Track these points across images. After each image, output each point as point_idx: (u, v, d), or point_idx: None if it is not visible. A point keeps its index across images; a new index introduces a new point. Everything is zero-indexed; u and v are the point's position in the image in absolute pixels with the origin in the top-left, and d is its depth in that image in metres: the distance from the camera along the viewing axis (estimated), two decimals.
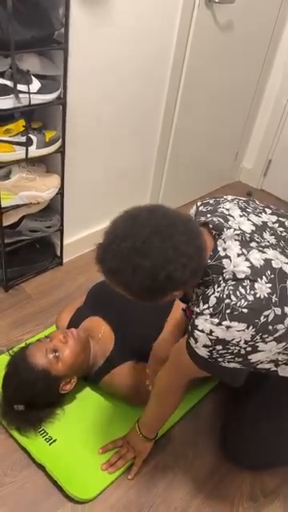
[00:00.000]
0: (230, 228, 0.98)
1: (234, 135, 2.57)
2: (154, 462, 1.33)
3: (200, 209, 1.09)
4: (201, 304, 0.95)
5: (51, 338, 1.35)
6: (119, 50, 1.63)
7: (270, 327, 0.90)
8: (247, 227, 1.00)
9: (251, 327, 0.89)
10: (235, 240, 0.96)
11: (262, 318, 0.89)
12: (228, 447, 1.34)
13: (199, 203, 1.12)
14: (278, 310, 0.90)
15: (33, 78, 1.40)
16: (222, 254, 0.95)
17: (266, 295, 0.90)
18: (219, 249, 0.95)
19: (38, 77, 1.42)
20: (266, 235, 1.00)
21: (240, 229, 0.98)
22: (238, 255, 0.94)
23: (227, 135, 2.50)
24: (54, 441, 1.31)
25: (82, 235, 2.01)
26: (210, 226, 0.99)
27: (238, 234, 0.97)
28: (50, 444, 1.31)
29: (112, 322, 1.45)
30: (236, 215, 1.02)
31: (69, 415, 1.38)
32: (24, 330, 1.66)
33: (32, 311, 1.74)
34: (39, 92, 1.42)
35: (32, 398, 1.29)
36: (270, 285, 0.90)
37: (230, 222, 0.99)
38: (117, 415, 1.41)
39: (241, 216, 1.02)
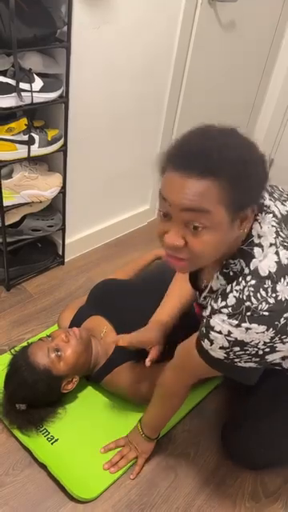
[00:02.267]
0: (268, 212, 0.91)
1: None
2: (156, 461, 1.32)
3: None
4: (219, 300, 0.89)
5: (53, 337, 1.34)
6: (121, 48, 1.63)
7: None
8: (276, 210, 0.93)
9: (271, 329, 0.86)
10: (272, 226, 0.89)
11: (282, 320, 0.86)
12: (229, 446, 1.34)
13: None
14: None
15: (35, 76, 1.40)
16: (257, 241, 0.88)
17: (287, 297, 0.87)
18: (254, 233, 0.88)
19: (40, 75, 1.41)
20: None
21: (274, 213, 0.91)
22: (271, 245, 0.87)
23: None
24: (56, 440, 1.31)
25: (83, 234, 2.01)
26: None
27: (275, 221, 0.90)
28: (51, 443, 1.30)
29: (114, 321, 1.45)
30: (266, 198, 0.94)
31: (71, 414, 1.37)
32: (26, 329, 1.66)
33: (34, 310, 1.74)
34: (41, 90, 1.42)
35: (34, 397, 1.28)
36: None
37: (267, 207, 0.92)
38: (119, 414, 1.40)
39: (269, 199, 0.94)
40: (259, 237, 0.88)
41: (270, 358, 0.92)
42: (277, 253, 0.87)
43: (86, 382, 1.45)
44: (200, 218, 0.80)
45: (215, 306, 0.89)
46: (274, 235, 0.88)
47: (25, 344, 1.41)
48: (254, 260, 0.87)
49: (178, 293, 1.37)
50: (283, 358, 1.08)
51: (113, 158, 1.90)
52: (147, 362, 1.28)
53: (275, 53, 2.36)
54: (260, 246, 0.88)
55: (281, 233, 0.90)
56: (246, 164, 0.79)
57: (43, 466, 1.26)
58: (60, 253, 1.95)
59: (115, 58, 1.63)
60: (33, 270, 1.87)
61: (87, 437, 1.34)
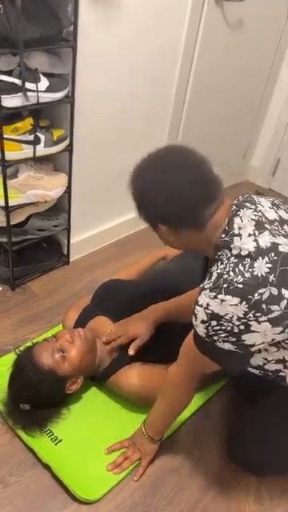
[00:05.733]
0: (249, 208, 0.99)
1: (243, 134, 2.55)
2: (160, 463, 1.32)
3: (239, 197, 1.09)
4: (206, 280, 0.97)
5: (58, 338, 1.34)
6: (128, 48, 1.62)
7: (264, 306, 0.90)
8: (271, 215, 1.01)
9: (244, 303, 0.89)
10: (252, 220, 0.97)
11: (256, 295, 0.89)
12: (234, 457, 1.32)
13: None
14: (275, 290, 0.90)
15: (41, 76, 1.39)
16: (236, 232, 0.96)
17: (264, 274, 0.91)
18: (235, 226, 0.97)
19: (46, 75, 1.41)
20: (286, 228, 1.00)
21: (261, 212, 0.99)
22: (249, 235, 0.95)
23: (236, 134, 2.48)
24: (60, 441, 1.31)
25: (88, 234, 2.01)
26: (235, 201, 1.01)
27: (255, 215, 0.98)
28: (55, 444, 1.30)
29: (119, 321, 1.44)
30: (266, 206, 1.03)
31: (75, 415, 1.37)
32: (30, 328, 1.66)
33: (38, 310, 1.74)
34: (47, 90, 1.41)
35: (38, 397, 1.28)
36: (270, 265, 0.91)
37: (254, 206, 1.00)
38: (123, 415, 1.40)
39: (270, 208, 1.03)
40: (239, 228, 0.97)
41: (247, 339, 0.93)
42: (255, 240, 0.95)
43: (91, 383, 1.45)
44: None
45: (201, 286, 0.97)
46: (253, 228, 0.96)
47: (29, 344, 1.41)
48: (232, 245, 0.96)
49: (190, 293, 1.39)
50: (286, 367, 1.07)
51: (118, 157, 1.89)
52: (130, 350, 1.35)
53: (282, 51, 2.35)
54: (239, 235, 0.96)
55: (266, 225, 0.98)
56: (148, 196, 1.01)
57: (47, 467, 1.26)
58: (65, 253, 1.95)
59: (121, 58, 1.63)
60: (38, 269, 1.87)
61: (91, 437, 1.34)
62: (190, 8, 1.74)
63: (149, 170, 1.02)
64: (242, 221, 0.97)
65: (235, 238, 0.96)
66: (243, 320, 0.90)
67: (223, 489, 1.29)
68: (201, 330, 0.96)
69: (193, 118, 2.07)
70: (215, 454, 1.36)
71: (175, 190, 0.96)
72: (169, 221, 1.01)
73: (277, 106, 2.50)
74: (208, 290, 0.94)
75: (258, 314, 0.90)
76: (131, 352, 1.34)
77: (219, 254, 0.99)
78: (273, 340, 0.95)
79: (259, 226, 0.97)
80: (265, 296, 0.90)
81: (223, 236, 0.97)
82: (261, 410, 1.25)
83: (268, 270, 0.91)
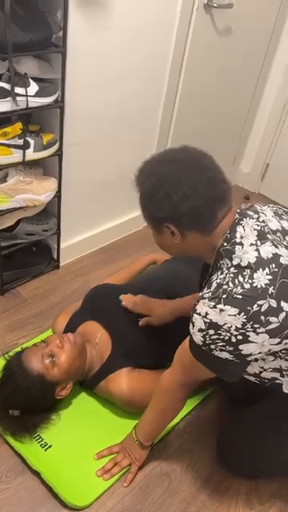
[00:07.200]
0: (252, 218, 1.00)
1: (232, 139, 2.57)
2: (150, 468, 1.32)
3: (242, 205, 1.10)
4: (205, 289, 0.97)
5: (47, 343, 1.33)
6: (117, 53, 1.63)
7: (263, 317, 0.89)
8: (274, 225, 1.00)
9: (242, 313, 0.89)
10: (254, 229, 0.98)
11: (255, 306, 0.89)
12: (225, 459, 1.32)
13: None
14: (274, 303, 0.90)
15: (30, 80, 1.39)
16: (238, 240, 0.97)
17: (263, 285, 0.90)
18: (237, 235, 0.97)
19: (35, 80, 1.41)
20: None
21: (264, 222, 1.00)
22: (251, 244, 0.95)
23: (225, 139, 2.50)
24: (50, 447, 1.30)
25: (78, 239, 2.00)
26: (237, 210, 1.01)
27: (258, 225, 0.98)
28: (45, 450, 1.29)
29: (109, 327, 1.44)
30: (269, 215, 1.03)
31: (64, 421, 1.37)
32: (20, 333, 1.65)
33: (28, 315, 1.73)
34: (37, 95, 1.41)
35: (27, 403, 1.28)
36: (270, 277, 0.91)
37: (257, 215, 1.01)
38: (113, 421, 1.40)
39: (273, 217, 1.03)
40: (241, 237, 0.97)
41: (244, 349, 0.93)
42: (257, 250, 0.95)
43: (80, 388, 1.44)
44: None
45: (200, 294, 0.96)
46: (256, 237, 0.96)
47: (19, 349, 1.40)
48: (234, 255, 0.96)
49: None
50: (282, 375, 1.07)
51: (108, 162, 1.90)
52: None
53: (271, 57, 2.37)
54: (241, 244, 0.96)
55: (268, 236, 0.97)
56: (163, 191, 0.96)
57: (36, 473, 1.25)
58: (55, 257, 1.94)
59: (111, 64, 1.63)
60: (27, 274, 1.86)
61: (81, 443, 1.33)
62: (179, 15, 1.75)
63: (164, 165, 0.99)
64: (244, 230, 0.97)
65: (237, 247, 0.96)
66: (241, 330, 0.90)
67: (213, 493, 1.29)
68: (198, 338, 0.95)
69: (182, 125, 2.08)
70: (205, 458, 1.36)
71: (194, 187, 0.94)
72: (181, 219, 0.97)
73: (266, 111, 2.52)
74: (207, 300, 0.93)
75: (256, 326, 0.90)
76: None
77: (221, 262, 0.98)
78: (270, 350, 0.95)
79: (262, 235, 0.97)
80: (264, 308, 0.89)
81: (225, 244, 0.97)
82: (250, 413, 1.25)
83: (268, 282, 0.91)
